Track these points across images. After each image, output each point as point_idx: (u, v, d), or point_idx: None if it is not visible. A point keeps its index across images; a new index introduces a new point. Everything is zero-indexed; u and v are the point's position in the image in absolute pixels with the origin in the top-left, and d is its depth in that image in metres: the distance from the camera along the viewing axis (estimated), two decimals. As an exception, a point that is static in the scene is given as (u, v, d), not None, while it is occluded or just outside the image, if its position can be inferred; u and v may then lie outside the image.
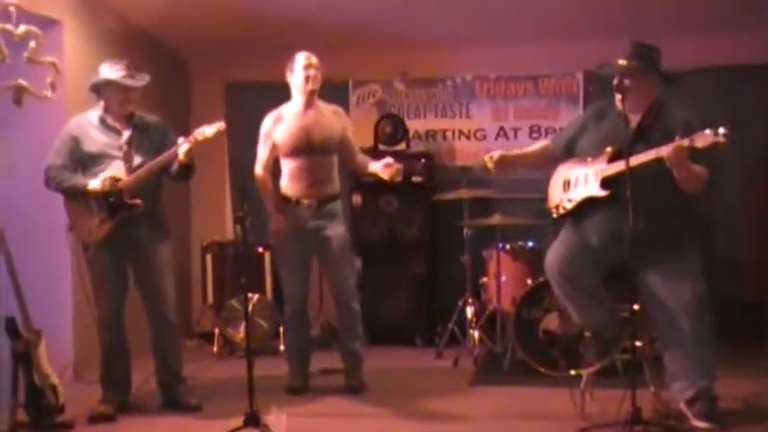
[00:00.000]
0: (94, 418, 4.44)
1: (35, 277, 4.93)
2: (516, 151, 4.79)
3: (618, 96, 4.09)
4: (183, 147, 4.45)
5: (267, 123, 5.08)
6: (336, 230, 5.06)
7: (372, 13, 6.35)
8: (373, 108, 7.25)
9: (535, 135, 6.94)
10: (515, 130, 7.07)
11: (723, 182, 5.93)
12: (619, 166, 3.98)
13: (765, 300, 6.33)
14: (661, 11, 6.12)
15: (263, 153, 5.09)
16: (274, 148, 5.05)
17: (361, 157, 5.24)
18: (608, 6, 6.11)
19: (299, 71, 4.95)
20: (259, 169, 5.10)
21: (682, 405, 4.12)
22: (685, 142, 3.72)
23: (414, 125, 7.15)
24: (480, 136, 7.13)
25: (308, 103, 5.01)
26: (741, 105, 6.50)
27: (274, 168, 5.15)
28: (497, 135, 7.10)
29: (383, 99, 7.28)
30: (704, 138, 3.67)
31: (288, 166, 5.03)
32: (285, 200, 5.04)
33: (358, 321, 5.13)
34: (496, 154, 4.55)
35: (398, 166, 4.97)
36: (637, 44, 4.17)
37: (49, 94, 4.24)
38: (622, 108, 4.02)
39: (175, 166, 4.58)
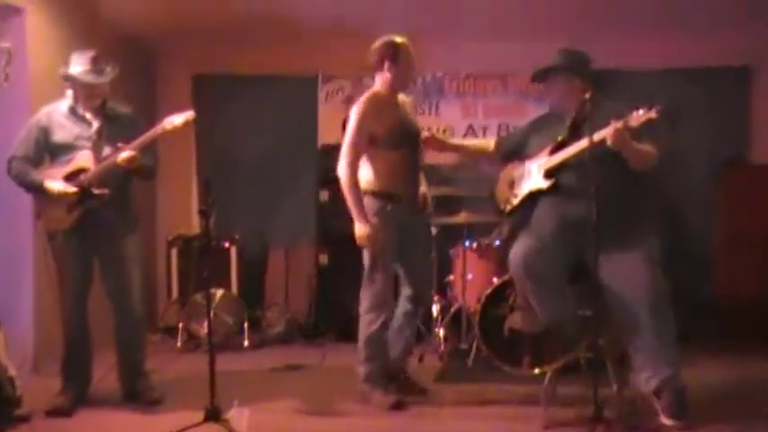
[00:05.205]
0: (51, 412, 4.37)
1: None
2: (456, 141, 5.24)
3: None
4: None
5: (364, 110, 4.49)
6: (425, 223, 5.01)
7: (343, 8, 6.32)
8: (342, 104, 7.21)
9: (503, 133, 6.96)
10: (484, 128, 7.08)
11: (690, 174, 6.07)
12: (559, 156, 4.23)
13: (734, 294, 6.39)
14: (632, 11, 6.19)
15: (354, 147, 4.45)
16: (370, 139, 4.48)
17: None
18: (576, 7, 6.14)
19: (411, 62, 4.60)
20: (349, 169, 4.43)
21: (651, 397, 4.11)
22: (619, 124, 3.89)
23: (382, 122, 7.11)
24: (449, 133, 7.14)
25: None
26: (711, 106, 6.62)
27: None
28: (466, 133, 7.12)
29: (352, 95, 7.24)
30: (637, 117, 3.87)
31: (387, 159, 4.51)
32: (385, 197, 4.53)
33: None
34: (428, 133, 4.79)
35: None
36: (561, 50, 4.41)
37: (4, 83, 4.15)
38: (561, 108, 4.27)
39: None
